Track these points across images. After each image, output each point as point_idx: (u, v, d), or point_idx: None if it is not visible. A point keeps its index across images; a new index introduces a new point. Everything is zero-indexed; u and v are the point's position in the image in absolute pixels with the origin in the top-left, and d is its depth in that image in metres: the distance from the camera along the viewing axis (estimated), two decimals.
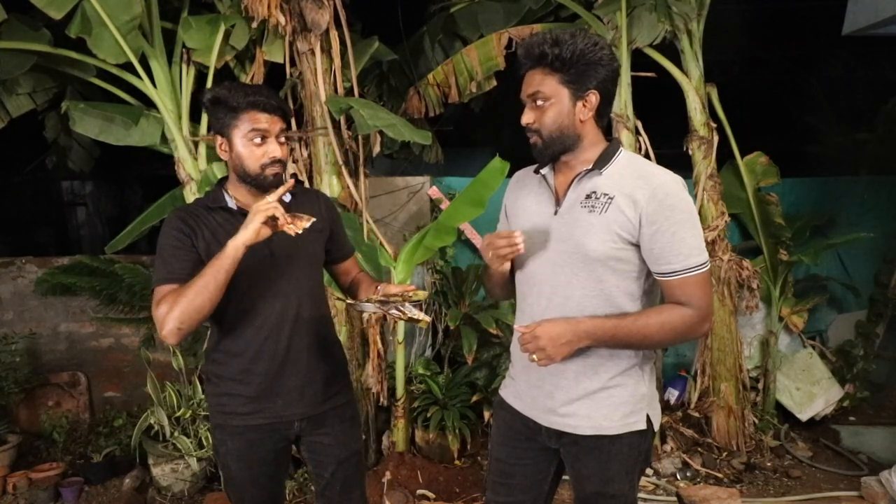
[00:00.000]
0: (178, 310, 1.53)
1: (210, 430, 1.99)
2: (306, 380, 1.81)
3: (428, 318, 1.65)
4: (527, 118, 1.53)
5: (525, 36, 3.64)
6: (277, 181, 1.70)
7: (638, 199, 1.45)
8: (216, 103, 1.68)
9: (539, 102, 1.50)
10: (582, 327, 1.46)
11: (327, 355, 1.86)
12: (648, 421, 1.57)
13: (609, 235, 1.47)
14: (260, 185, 1.71)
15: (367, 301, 1.66)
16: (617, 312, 1.51)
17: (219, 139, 1.71)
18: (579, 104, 1.49)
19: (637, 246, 1.48)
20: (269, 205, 1.54)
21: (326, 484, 1.92)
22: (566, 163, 1.57)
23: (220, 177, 3.13)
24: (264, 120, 1.66)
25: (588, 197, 1.51)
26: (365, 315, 1.79)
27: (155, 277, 1.64)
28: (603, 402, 1.55)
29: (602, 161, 1.51)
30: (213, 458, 3.38)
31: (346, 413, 1.92)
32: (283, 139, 1.72)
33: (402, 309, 1.62)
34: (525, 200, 1.67)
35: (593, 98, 1.49)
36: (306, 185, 3.38)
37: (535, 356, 1.46)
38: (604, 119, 1.56)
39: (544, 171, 1.61)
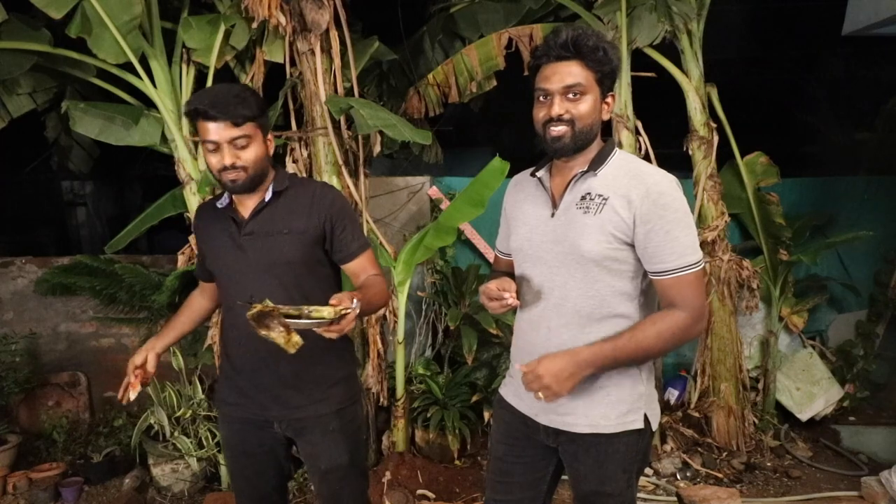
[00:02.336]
0: None
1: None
2: (280, 385, 1.78)
3: (292, 346, 1.48)
4: (560, 109, 1.49)
5: (525, 36, 3.64)
6: (238, 186, 1.70)
7: (632, 198, 1.46)
8: (186, 115, 1.72)
9: (575, 94, 1.49)
10: (582, 357, 1.47)
11: (306, 363, 1.74)
12: (646, 420, 1.57)
13: (604, 236, 1.48)
14: (225, 188, 1.76)
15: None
16: (614, 313, 1.52)
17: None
18: (603, 104, 1.54)
19: (632, 246, 1.49)
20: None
21: (317, 493, 1.93)
22: (564, 164, 1.58)
23: None
24: (212, 129, 1.63)
25: (583, 198, 1.52)
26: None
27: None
28: (600, 400, 1.55)
29: (597, 162, 1.53)
30: (215, 457, 3.38)
31: (331, 424, 1.81)
32: (242, 144, 1.66)
33: (270, 325, 1.46)
34: (523, 204, 1.69)
35: (612, 101, 1.55)
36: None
37: (540, 394, 1.46)
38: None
39: (540, 174, 1.63)
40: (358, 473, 1.93)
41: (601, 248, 1.48)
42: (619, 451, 1.56)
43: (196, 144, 3.38)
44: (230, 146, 1.65)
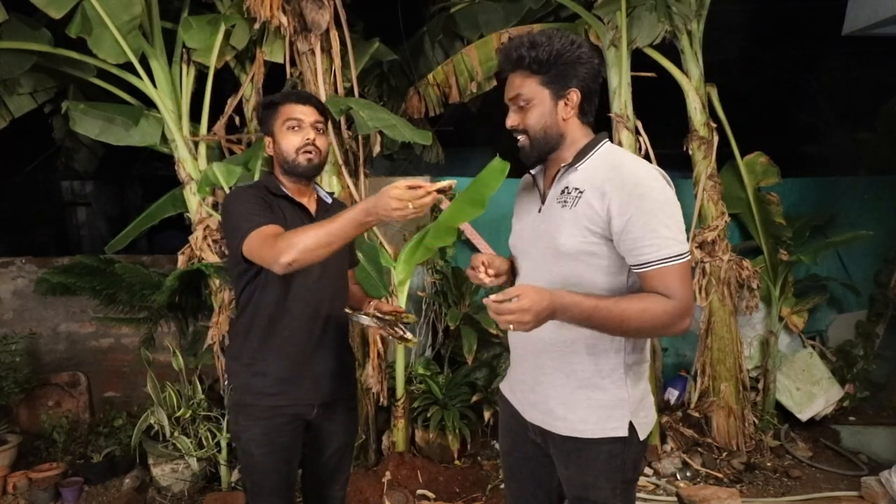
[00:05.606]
0: (303, 245, 1.58)
1: (231, 417, 2.06)
2: (330, 368, 1.94)
3: (416, 341, 1.82)
4: (511, 121, 1.55)
5: None
6: (311, 168, 1.87)
7: (606, 190, 1.42)
8: (263, 107, 1.92)
9: (522, 105, 1.52)
10: (561, 301, 1.35)
11: (346, 348, 2.04)
12: (632, 428, 1.49)
13: (578, 230, 1.45)
14: (294, 170, 1.87)
15: (365, 314, 1.82)
16: None
17: (267, 139, 1.92)
18: (561, 103, 1.50)
19: (610, 240, 1.44)
20: (414, 210, 1.57)
21: (319, 465, 2.03)
22: (551, 161, 1.59)
23: (220, 178, 3.16)
24: (298, 110, 1.86)
25: (563, 192, 1.52)
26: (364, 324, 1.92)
27: (247, 227, 1.70)
28: (580, 403, 1.51)
29: (579, 157, 1.52)
30: (215, 457, 3.38)
31: (352, 403, 2.11)
32: (320, 129, 1.89)
33: (396, 329, 1.78)
34: (521, 201, 1.72)
35: (574, 96, 1.49)
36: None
37: (510, 325, 1.31)
38: (588, 116, 1.55)
39: (534, 171, 1.64)
40: (354, 446, 2.25)
41: (575, 242, 1.45)
42: (600, 458, 1.50)
43: (196, 144, 3.38)
44: (312, 128, 1.87)
